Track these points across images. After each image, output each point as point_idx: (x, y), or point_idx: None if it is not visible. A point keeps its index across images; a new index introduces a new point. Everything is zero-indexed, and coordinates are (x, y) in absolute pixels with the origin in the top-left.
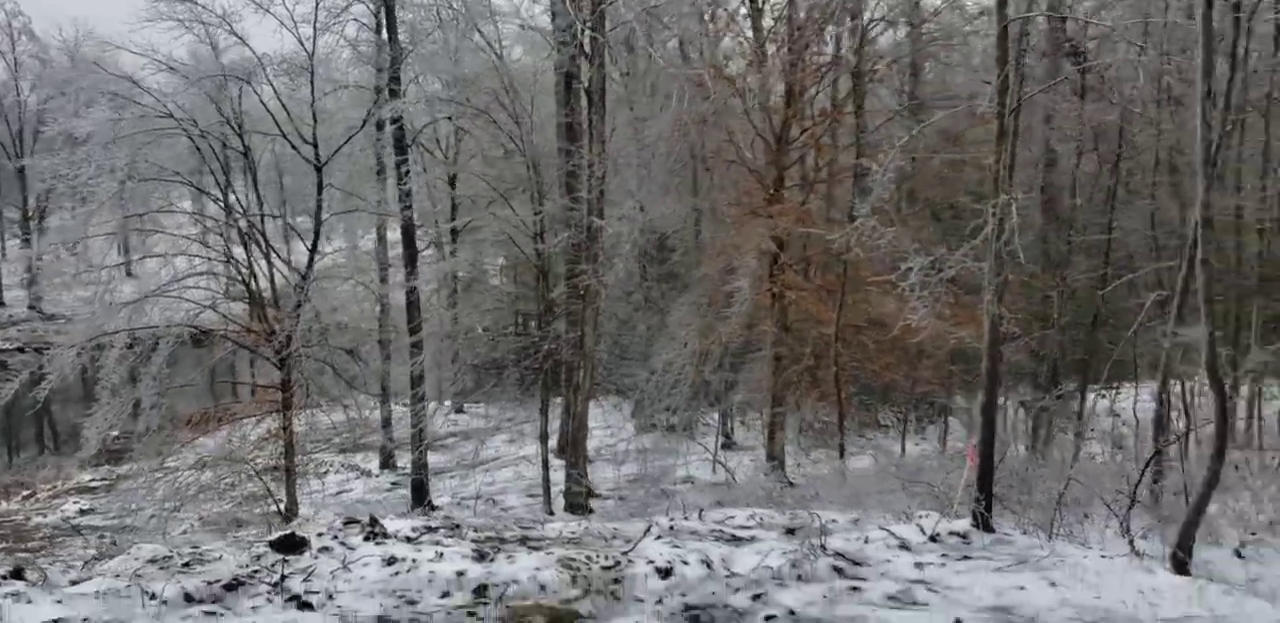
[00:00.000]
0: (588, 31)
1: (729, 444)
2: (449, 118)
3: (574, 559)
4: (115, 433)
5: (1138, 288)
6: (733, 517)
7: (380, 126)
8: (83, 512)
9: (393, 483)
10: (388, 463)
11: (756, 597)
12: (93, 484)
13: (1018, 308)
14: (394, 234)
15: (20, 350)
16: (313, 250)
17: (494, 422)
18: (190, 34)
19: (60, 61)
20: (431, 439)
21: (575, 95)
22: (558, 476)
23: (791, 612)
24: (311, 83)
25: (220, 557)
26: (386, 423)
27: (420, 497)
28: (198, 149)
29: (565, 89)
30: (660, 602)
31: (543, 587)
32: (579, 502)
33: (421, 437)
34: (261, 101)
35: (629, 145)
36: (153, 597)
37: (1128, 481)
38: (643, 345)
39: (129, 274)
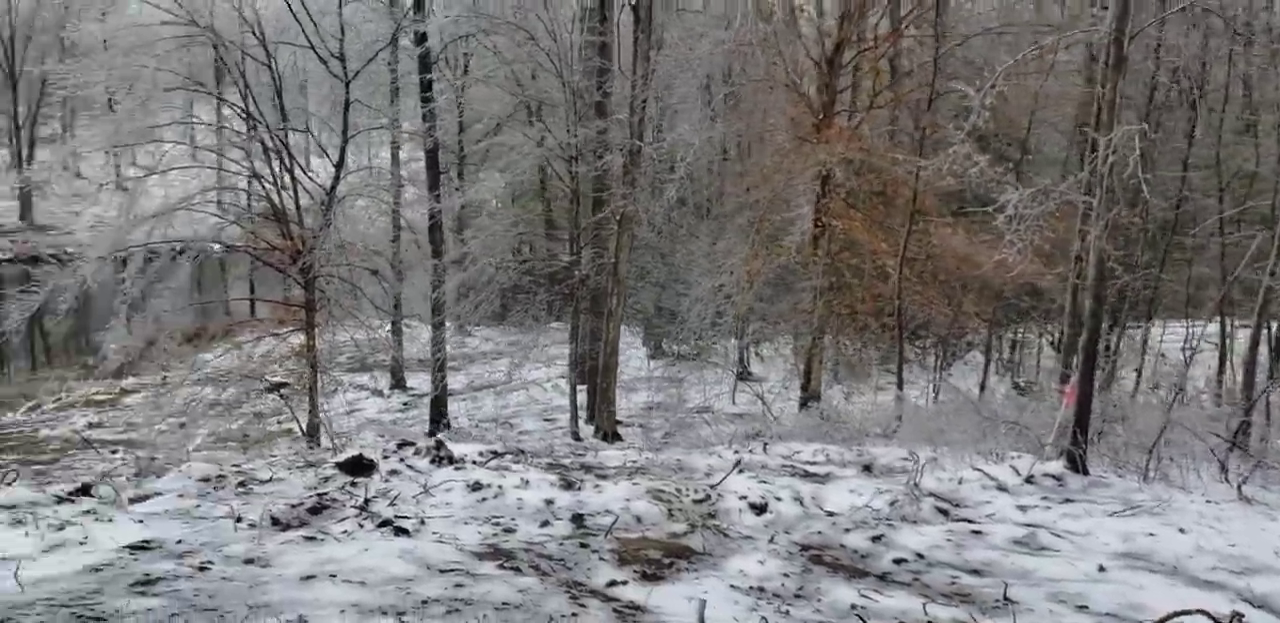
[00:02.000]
0: None
1: (745, 375)
2: (474, 34)
3: (663, 491)
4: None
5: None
6: (799, 452)
7: (394, 42)
8: (91, 425)
9: (404, 403)
10: (399, 383)
11: (876, 539)
12: (98, 397)
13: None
14: (404, 153)
15: (12, 261)
16: (338, 167)
17: (499, 345)
18: None
19: None
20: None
21: (608, 14)
22: (567, 401)
23: (920, 555)
24: None
25: (285, 478)
26: (399, 343)
27: (439, 418)
28: (219, 59)
29: (600, 6)
30: (773, 541)
31: (638, 518)
32: (607, 429)
33: (441, 359)
34: (290, 8)
35: (672, 67)
36: (239, 519)
37: (1226, 425)
38: (665, 272)
39: (120, 188)
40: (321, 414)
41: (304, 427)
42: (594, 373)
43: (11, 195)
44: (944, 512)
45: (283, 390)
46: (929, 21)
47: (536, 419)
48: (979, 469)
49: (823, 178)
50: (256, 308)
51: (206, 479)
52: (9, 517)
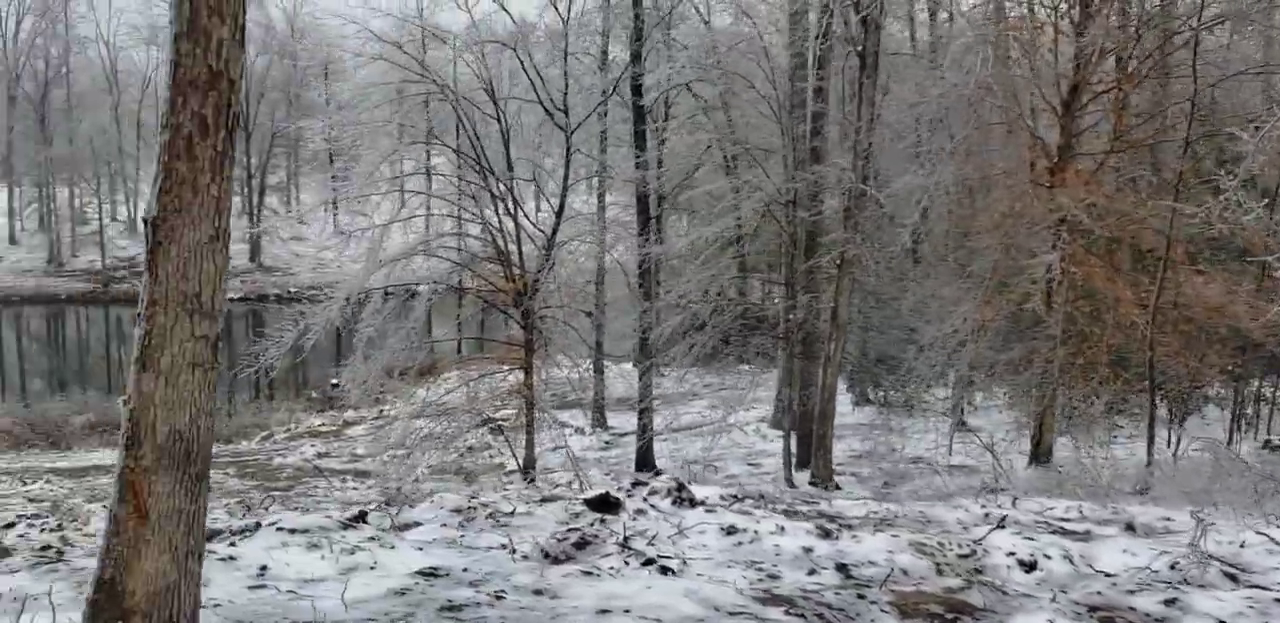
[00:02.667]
0: None
1: (961, 425)
2: (686, 84)
3: (925, 545)
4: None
5: None
6: (1051, 508)
7: (604, 93)
8: (320, 455)
9: (606, 442)
10: (600, 422)
11: (1168, 603)
12: (323, 429)
13: None
14: (609, 198)
15: (243, 300)
16: (559, 214)
17: (694, 386)
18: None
19: (281, 29)
20: (637, 401)
21: (824, 60)
22: (772, 445)
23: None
24: (565, 50)
25: (532, 512)
26: (601, 382)
27: (646, 459)
28: (457, 113)
29: (818, 54)
30: (1054, 600)
31: (905, 571)
32: (824, 476)
33: (649, 401)
34: (523, 66)
35: (896, 110)
36: (513, 550)
37: None
38: (880, 318)
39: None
40: (520, 449)
41: (520, 461)
42: (805, 419)
43: (242, 239)
44: (1232, 577)
45: (499, 425)
46: (1172, 63)
47: (740, 463)
48: (1263, 533)
49: (1059, 224)
50: (483, 346)
51: (458, 510)
52: (305, 540)
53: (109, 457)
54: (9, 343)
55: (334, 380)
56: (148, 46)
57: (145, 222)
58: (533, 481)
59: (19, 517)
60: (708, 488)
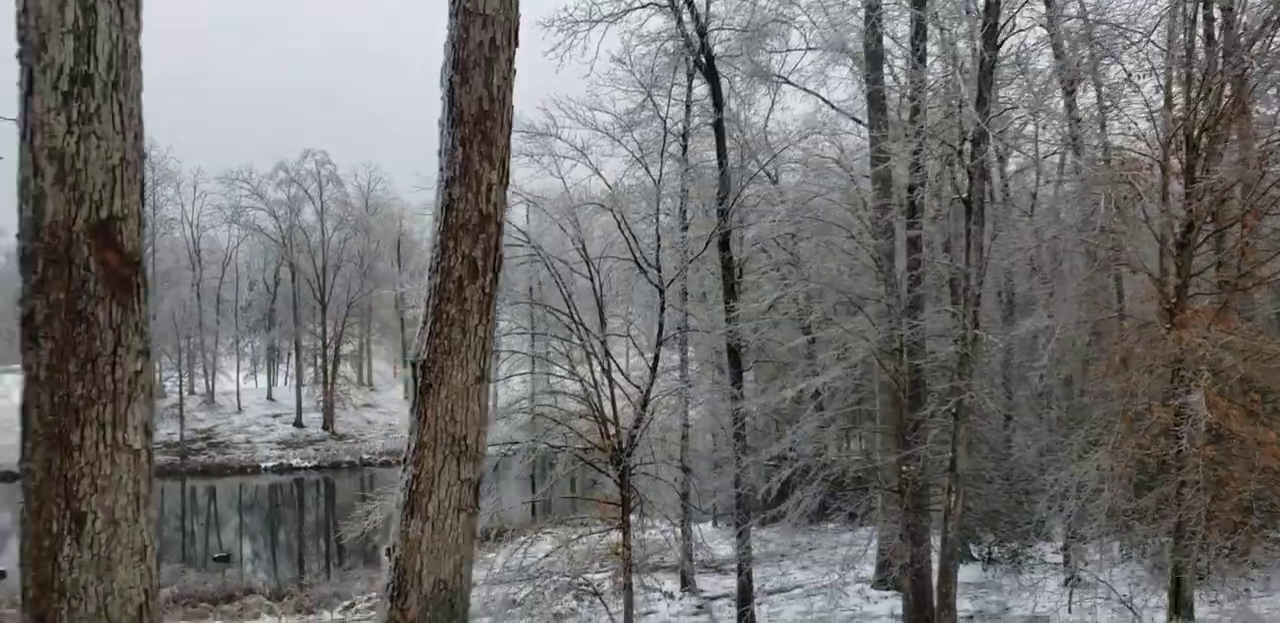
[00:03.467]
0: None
1: (1075, 580)
2: (774, 239)
3: None
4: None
5: None
6: None
7: (688, 253)
8: None
9: (697, 607)
10: (687, 585)
11: None
12: None
13: None
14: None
15: (318, 468)
16: (654, 370)
17: (780, 546)
18: (538, 165)
19: (356, 203)
20: (737, 562)
21: (919, 207)
22: (878, 607)
23: None
24: (657, 209)
25: None
26: (688, 543)
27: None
28: (554, 275)
29: (910, 199)
30: None
31: None
32: None
33: (748, 562)
34: (620, 228)
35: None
36: None
37: None
38: (991, 468)
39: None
40: (615, 613)
41: None
42: (917, 577)
43: (315, 408)
44: None
45: (594, 590)
46: None
47: None
48: None
49: (1195, 364)
50: (575, 506)
51: None
52: None
53: None
54: None
55: None
56: (229, 225)
57: (413, 364)
58: None
59: None
60: None
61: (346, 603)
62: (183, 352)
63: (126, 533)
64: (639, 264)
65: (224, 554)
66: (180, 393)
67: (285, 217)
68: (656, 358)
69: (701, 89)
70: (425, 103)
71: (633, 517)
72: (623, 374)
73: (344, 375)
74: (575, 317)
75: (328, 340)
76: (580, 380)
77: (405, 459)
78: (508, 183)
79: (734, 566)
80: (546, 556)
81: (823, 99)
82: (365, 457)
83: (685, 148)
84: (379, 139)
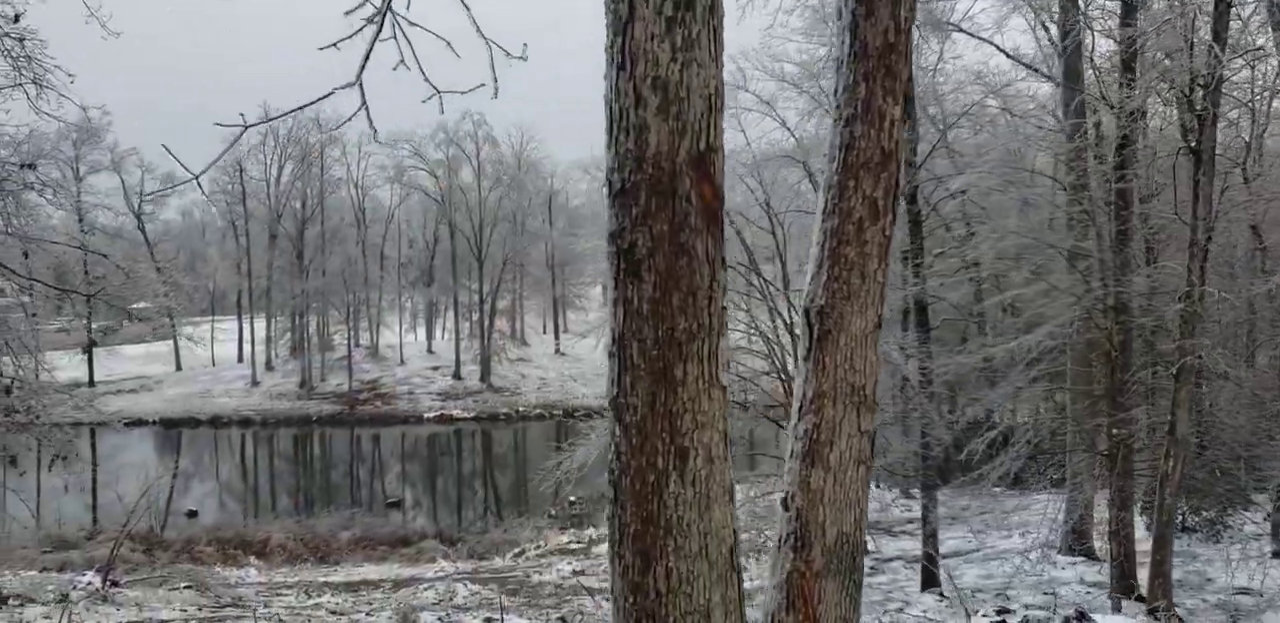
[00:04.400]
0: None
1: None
2: (962, 191)
3: None
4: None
5: None
6: None
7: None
8: (575, 573)
9: (870, 567)
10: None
11: None
12: (571, 547)
13: None
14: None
15: (476, 419)
16: None
17: (951, 510)
18: None
19: (510, 162)
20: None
21: (1127, 160)
22: (1065, 573)
23: None
24: None
25: None
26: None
27: (931, 584)
28: (736, 231)
29: (1119, 150)
30: None
31: None
32: (1165, 607)
33: (934, 520)
34: (812, 180)
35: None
36: None
37: None
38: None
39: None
40: None
41: None
42: (1120, 544)
43: (473, 361)
44: None
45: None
46: None
47: (1033, 592)
48: None
49: None
50: (753, 463)
51: None
52: None
53: (374, 571)
54: (271, 461)
55: (571, 498)
56: (390, 185)
57: (807, 311)
58: None
59: None
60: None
61: (517, 550)
62: (350, 307)
63: (719, 471)
64: None
65: (395, 500)
66: (349, 345)
67: (444, 176)
68: None
69: None
70: (576, 60)
71: None
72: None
73: (499, 330)
74: (759, 273)
75: (484, 296)
76: (764, 337)
77: (800, 408)
78: (907, 121)
79: (903, 528)
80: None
81: (999, 48)
82: (520, 409)
83: None
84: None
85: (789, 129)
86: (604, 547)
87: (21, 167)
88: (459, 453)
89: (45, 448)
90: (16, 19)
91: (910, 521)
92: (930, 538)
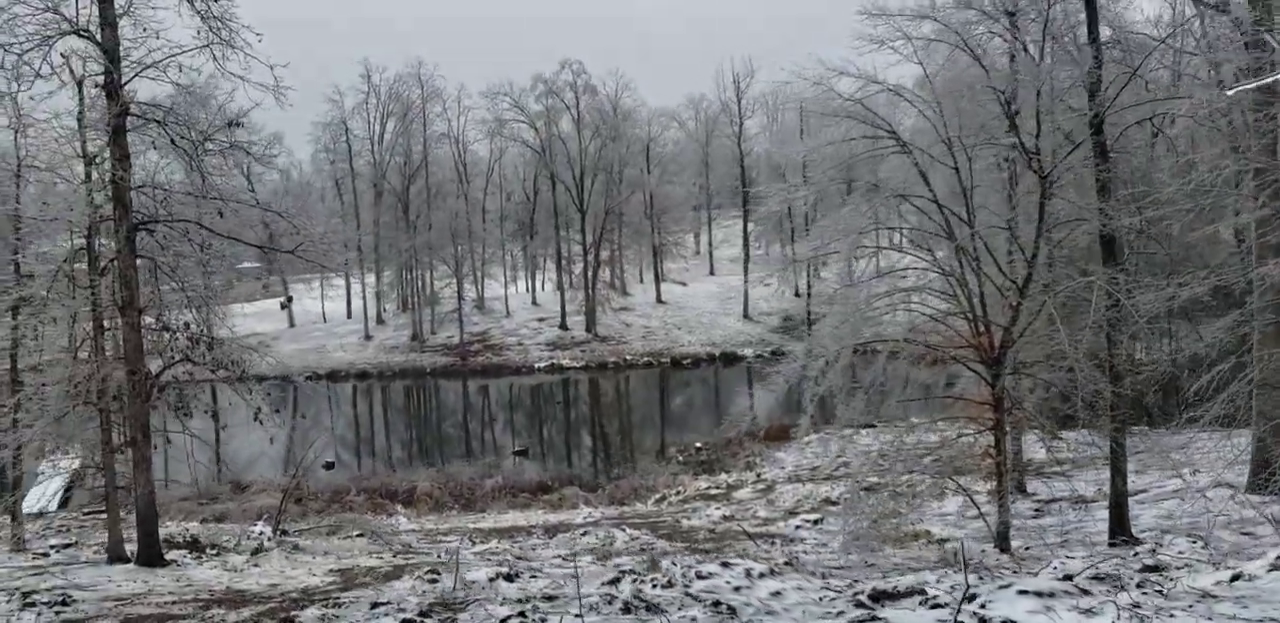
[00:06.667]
0: None
1: None
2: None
3: None
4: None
5: None
6: None
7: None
8: (725, 518)
9: (1034, 510)
10: (1019, 487)
11: None
12: (711, 492)
13: None
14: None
15: (585, 368)
16: (1031, 262)
17: (1085, 450)
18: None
19: (606, 110)
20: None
21: None
22: (1254, 514)
23: None
24: (1038, 92)
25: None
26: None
27: (1121, 527)
28: (917, 165)
29: None
30: None
31: None
32: None
33: (1122, 459)
34: (1006, 112)
35: None
36: None
37: None
38: None
39: (660, 300)
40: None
41: (993, 530)
42: None
43: (578, 312)
44: None
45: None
46: None
47: (1232, 532)
48: None
49: None
50: (927, 406)
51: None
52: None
53: (521, 518)
54: (391, 412)
55: (698, 443)
56: (490, 138)
57: None
58: (1006, 551)
59: (621, 572)
60: None
61: (657, 496)
62: (456, 260)
63: None
64: (1023, 149)
65: (522, 448)
66: (459, 299)
67: (544, 127)
68: (1035, 250)
69: None
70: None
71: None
72: (1001, 270)
73: (601, 279)
74: (943, 209)
75: (587, 246)
76: (949, 276)
77: None
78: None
79: (1055, 470)
80: (922, 449)
81: None
82: (628, 358)
83: (1045, 24)
84: (619, 44)
85: (980, 62)
86: (744, 492)
87: (230, 125)
88: (573, 401)
89: (250, 402)
90: None
91: (1060, 462)
92: (1119, 478)
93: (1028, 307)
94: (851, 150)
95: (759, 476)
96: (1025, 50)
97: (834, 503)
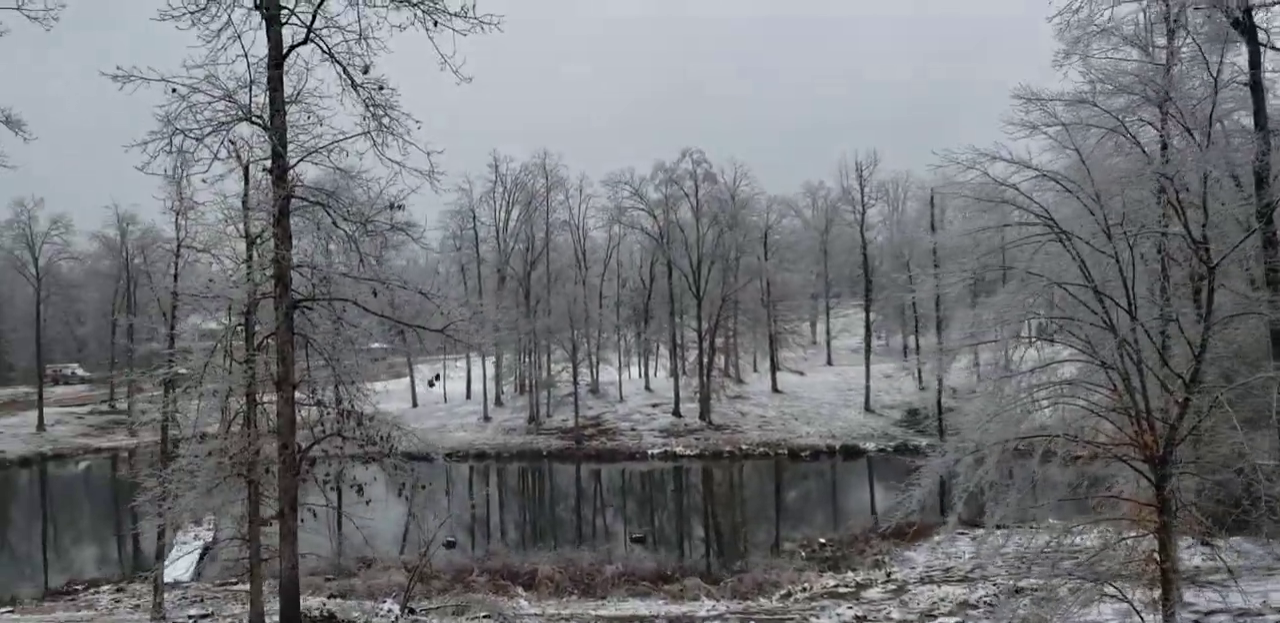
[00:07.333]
0: None
1: None
2: None
3: None
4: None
5: None
6: None
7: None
8: (859, 618)
9: (1194, 622)
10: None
11: None
12: (840, 590)
13: None
14: None
15: (700, 457)
16: (1199, 358)
17: (1252, 559)
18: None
19: (724, 199)
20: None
21: None
22: None
23: None
24: (1204, 179)
25: None
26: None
27: None
28: (1071, 252)
29: None
30: None
31: None
32: None
33: None
34: (1174, 201)
35: None
36: None
37: None
38: None
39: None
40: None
41: None
42: None
43: (691, 399)
44: None
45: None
46: None
47: None
48: None
49: None
50: (1091, 505)
51: None
52: None
53: (642, 606)
54: (508, 493)
55: (821, 539)
56: (609, 226)
57: None
58: None
59: None
60: None
61: (783, 592)
62: (573, 344)
63: None
64: (1190, 238)
65: (640, 536)
66: (574, 382)
67: (662, 215)
68: (1204, 343)
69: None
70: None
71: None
72: (1165, 363)
73: (715, 367)
74: (1103, 295)
75: (703, 333)
76: (1108, 368)
77: None
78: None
79: (1212, 579)
80: (1051, 549)
81: None
82: (744, 447)
83: (1213, 108)
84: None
85: (1139, 145)
86: (874, 591)
87: (391, 207)
88: (687, 490)
89: (395, 477)
90: (366, 70)
91: (1216, 570)
92: None
93: (1196, 402)
94: (1004, 237)
95: (889, 575)
96: (1190, 134)
97: (974, 607)
